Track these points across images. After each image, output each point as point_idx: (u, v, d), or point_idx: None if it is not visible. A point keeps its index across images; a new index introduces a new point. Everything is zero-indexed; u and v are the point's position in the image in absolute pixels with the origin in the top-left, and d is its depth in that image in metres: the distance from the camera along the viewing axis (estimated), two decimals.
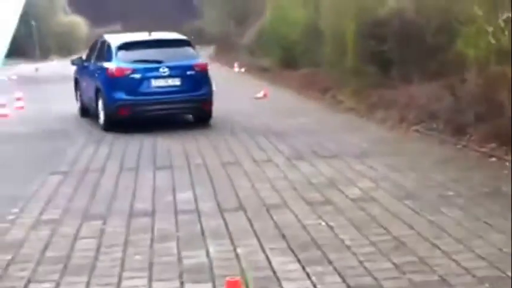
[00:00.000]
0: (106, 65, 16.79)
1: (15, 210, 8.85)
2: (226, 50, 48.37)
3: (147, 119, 16.51)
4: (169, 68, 16.36)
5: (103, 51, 17.54)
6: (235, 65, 38.01)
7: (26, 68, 49.45)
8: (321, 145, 13.07)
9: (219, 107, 16.94)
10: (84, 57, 19.61)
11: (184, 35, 18.50)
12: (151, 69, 16.38)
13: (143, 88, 16.24)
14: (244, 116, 17.77)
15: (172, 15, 73.85)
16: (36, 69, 48.99)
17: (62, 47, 72.21)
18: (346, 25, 19.66)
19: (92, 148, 13.74)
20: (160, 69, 16.33)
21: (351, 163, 11.17)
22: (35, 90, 28.66)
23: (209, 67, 17.22)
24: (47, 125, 17.68)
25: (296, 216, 8.09)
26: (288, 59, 28.29)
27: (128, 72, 16.26)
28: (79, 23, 79.64)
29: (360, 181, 9.85)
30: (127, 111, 16.14)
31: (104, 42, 17.90)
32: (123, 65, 16.39)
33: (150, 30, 17.77)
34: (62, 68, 38.35)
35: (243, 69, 37.05)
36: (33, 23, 68.21)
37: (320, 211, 8.26)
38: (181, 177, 10.56)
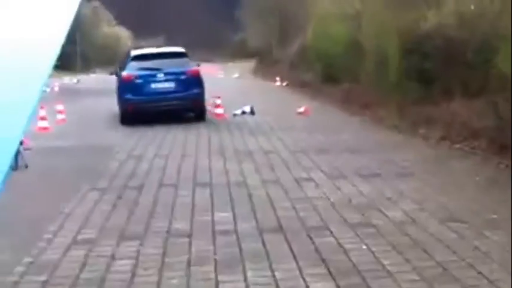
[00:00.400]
0: (122, 73, 21.18)
1: (53, 228, 8.76)
2: (267, 64, 48.31)
3: (161, 114, 20.08)
4: (166, 73, 20.51)
5: (124, 62, 22.09)
6: (277, 79, 37.92)
7: (67, 79, 49.79)
8: (362, 163, 12.83)
9: (260, 120, 16.78)
10: (118, 67, 23.97)
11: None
12: (151, 75, 20.57)
13: (145, 90, 20.45)
14: (285, 132, 17.61)
15: (214, 29, 74.10)
16: (77, 81, 49.39)
17: (104, 59, 72.75)
18: (387, 41, 19.46)
19: (132, 163, 13.71)
20: (158, 75, 20.54)
21: (393, 183, 10.93)
22: (76, 102, 28.80)
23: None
24: (86, 138, 17.70)
25: (337, 239, 7.86)
26: (330, 73, 28.15)
27: (133, 78, 20.54)
28: (123, 36, 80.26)
29: (403, 202, 9.60)
30: (133, 108, 20.29)
31: (127, 54, 22.75)
32: (131, 72, 20.70)
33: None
34: (103, 80, 38.54)
35: (284, 84, 36.96)
36: (77, 35, 68.74)
37: (361, 234, 8.03)
38: (220, 196, 10.42)
